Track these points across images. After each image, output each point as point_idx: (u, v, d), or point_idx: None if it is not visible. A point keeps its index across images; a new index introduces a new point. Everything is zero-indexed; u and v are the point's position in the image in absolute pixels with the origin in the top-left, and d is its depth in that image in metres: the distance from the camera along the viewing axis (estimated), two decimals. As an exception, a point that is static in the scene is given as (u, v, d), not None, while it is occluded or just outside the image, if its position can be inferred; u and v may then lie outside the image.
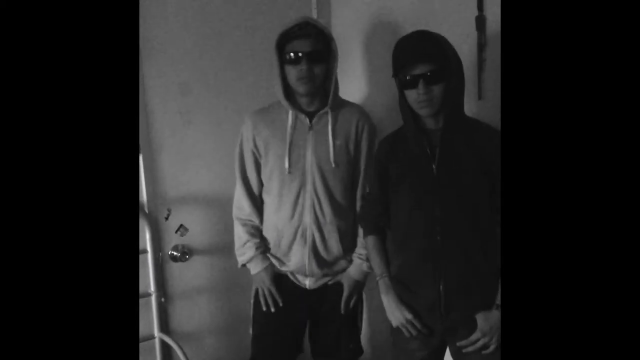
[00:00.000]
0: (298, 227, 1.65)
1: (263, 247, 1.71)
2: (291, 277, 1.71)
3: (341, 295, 1.71)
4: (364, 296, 1.82)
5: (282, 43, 1.56)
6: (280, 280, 1.71)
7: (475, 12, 1.57)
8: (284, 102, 1.62)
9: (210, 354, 2.00)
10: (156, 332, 1.83)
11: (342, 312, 1.71)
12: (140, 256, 1.78)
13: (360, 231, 1.69)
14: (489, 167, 1.36)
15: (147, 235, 1.78)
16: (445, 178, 1.39)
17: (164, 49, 1.79)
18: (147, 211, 1.80)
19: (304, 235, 1.65)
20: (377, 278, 1.55)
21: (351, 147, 1.66)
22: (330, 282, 1.72)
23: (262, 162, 1.68)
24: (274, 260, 1.71)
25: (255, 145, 1.67)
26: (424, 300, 1.44)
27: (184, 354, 1.75)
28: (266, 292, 1.70)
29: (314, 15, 2.11)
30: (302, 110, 1.64)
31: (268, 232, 1.71)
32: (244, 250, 1.71)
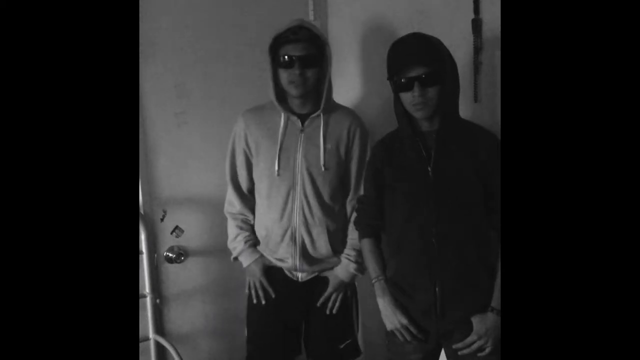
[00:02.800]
0: (287, 228, 1.66)
1: (252, 239, 1.73)
2: (285, 270, 1.71)
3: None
4: (358, 296, 1.81)
5: (276, 46, 1.57)
6: (272, 272, 1.72)
7: (472, 16, 1.58)
8: (277, 105, 1.63)
9: (205, 355, 2.00)
10: (151, 334, 1.82)
11: (318, 305, 1.71)
12: (136, 257, 1.77)
13: (350, 232, 1.70)
14: (484, 169, 1.37)
15: (143, 237, 1.78)
16: (441, 180, 1.39)
17: (160, 50, 1.79)
18: (142, 212, 1.79)
19: (293, 237, 1.66)
20: (373, 281, 1.55)
21: (342, 151, 1.66)
22: (321, 275, 1.72)
23: (253, 162, 1.69)
24: (265, 253, 1.72)
25: (247, 144, 1.69)
26: (420, 303, 1.44)
27: (179, 355, 1.74)
28: (257, 285, 1.72)
29: (310, 18, 2.10)
30: (294, 113, 1.65)
31: (258, 230, 1.73)
32: (235, 245, 1.74)
